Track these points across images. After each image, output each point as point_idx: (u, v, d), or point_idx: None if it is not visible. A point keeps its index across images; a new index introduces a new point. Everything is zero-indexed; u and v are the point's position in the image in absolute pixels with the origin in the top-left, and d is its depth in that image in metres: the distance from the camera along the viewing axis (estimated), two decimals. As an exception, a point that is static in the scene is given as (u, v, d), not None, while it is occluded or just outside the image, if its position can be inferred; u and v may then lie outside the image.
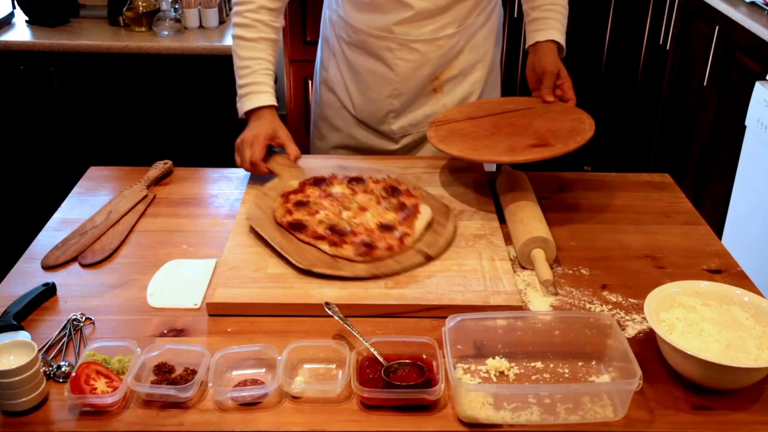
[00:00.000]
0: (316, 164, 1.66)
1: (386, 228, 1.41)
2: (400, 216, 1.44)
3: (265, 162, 1.61)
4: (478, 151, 1.50)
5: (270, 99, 1.64)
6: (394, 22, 1.69)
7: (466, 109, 1.73)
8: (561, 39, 1.75)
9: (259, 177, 1.61)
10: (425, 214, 1.45)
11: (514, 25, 3.64)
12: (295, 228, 1.40)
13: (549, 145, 1.49)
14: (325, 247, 1.36)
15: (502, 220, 1.51)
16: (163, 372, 1.11)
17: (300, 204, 1.47)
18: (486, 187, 1.62)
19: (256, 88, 1.63)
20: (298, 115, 3.78)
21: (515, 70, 3.76)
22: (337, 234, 1.38)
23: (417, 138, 1.86)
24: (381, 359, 1.11)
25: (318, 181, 1.54)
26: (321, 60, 1.93)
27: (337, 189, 1.52)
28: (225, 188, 1.65)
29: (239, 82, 1.66)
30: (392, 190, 1.52)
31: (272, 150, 1.65)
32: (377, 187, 1.53)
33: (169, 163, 1.72)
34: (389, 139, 1.87)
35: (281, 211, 1.44)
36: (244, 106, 1.64)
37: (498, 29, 1.87)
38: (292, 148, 1.64)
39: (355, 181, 1.55)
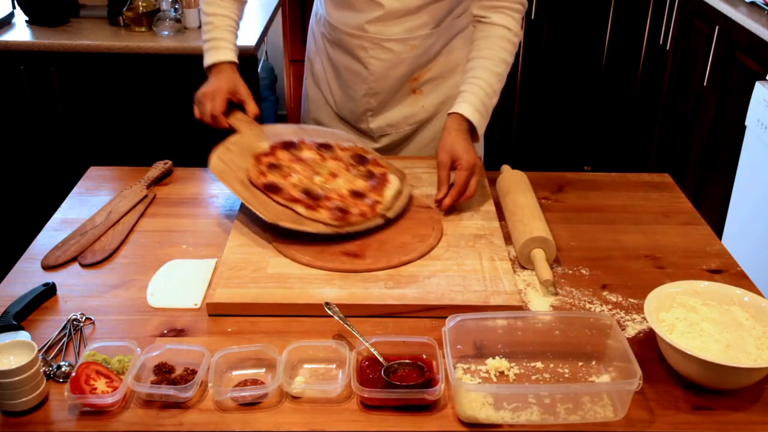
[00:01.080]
0: (278, 129, 1.66)
1: (358, 195, 1.46)
2: (369, 184, 1.49)
3: (225, 117, 1.62)
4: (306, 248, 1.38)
5: (230, 55, 1.65)
6: (366, 20, 1.68)
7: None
8: (472, 114, 1.53)
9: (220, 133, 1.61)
10: (394, 183, 1.50)
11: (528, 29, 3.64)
12: (271, 189, 1.44)
13: (358, 258, 1.36)
14: (301, 209, 1.40)
15: (502, 220, 1.51)
16: (163, 372, 1.11)
17: (272, 166, 1.50)
18: (486, 187, 1.62)
19: (218, 44, 1.65)
20: (297, 114, 3.78)
21: (515, 78, 3.76)
22: (312, 198, 1.43)
23: (397, 138, 1.86)
24: (381, 359, 1.11)
25: (287, 145, 1.58)
26: (308, 54, 1.94)
27: (306, 154, 1.56)
28: (225, 188, 1.65)
29: (203, 37, 1.68)
30: (360, 159, 1.57)
31: (233, 106, 1.66)
32: (345, 154, 1.57)
33: (169, 163, 1.72)
34: (369, 137, 1.87)
35: (255, 172, 1.47)
36: (206, 60, 1.66)
37: None
38: (252, 105, 1.65)
39: (323, 147, 1.59)
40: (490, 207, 1.54)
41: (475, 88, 1.58)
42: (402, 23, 1.68)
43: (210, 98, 1.60)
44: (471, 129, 1.57)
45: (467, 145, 1.53)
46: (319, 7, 1.84)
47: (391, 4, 1.65)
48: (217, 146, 1.55)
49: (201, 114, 1.62)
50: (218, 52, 1.64)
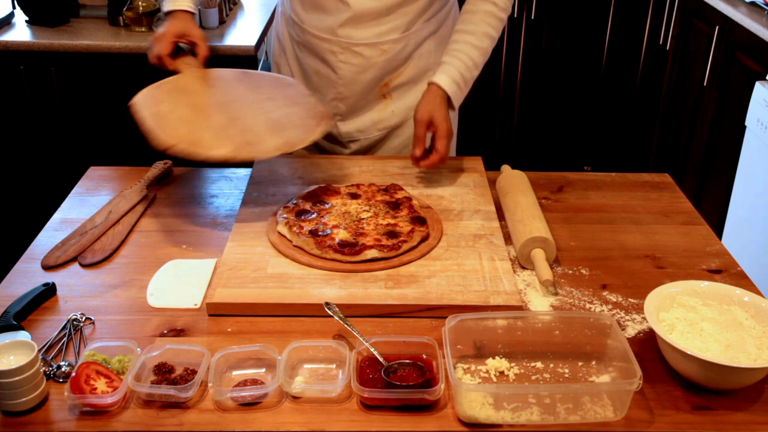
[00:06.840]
0: (222, 73, 1.67)
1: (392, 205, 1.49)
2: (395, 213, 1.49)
3: (174, 59, 1.63)
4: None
5: (185, 4, 1.67)
6: (337, 24, 1.67)
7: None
8: (450, 86, 1.59)
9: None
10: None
11: (528, 29, 3.64)
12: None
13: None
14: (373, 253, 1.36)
15: (502, 220, 1.51)
16: (163, 372, 1.11)
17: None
18: (486, 187, 1.62)
19: None
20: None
21: (515, 78, 3.76)
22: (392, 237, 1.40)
23: (366, 144, 1.84)
24: (381, 359, 1.11)
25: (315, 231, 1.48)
26: (273, 56, 1.93)
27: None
28: (225, 188, 1.65)
29: None
30: (352, 196, 1.53)
31: (181, 50, 1.67)
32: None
33: (169, 163, 1.71)
34: (338, 143, 1.85)
35: (308, 242, 1.40)
36: (163, 7, 1.69)
37: None
38: (202, 48, 1.66)
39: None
40: (490, 207, 1.54)
41: (456, 60, 1.61)
42: (372, 27, 1.68)
43: (158, 41, 1.62)
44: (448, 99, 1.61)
45: (445, 113, 1.59)
46: (287, 7, 1.81)
47: (359, 5, 1.64)
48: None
49: (150, 56, 1.64)
50: (174, 0, 1.66)
